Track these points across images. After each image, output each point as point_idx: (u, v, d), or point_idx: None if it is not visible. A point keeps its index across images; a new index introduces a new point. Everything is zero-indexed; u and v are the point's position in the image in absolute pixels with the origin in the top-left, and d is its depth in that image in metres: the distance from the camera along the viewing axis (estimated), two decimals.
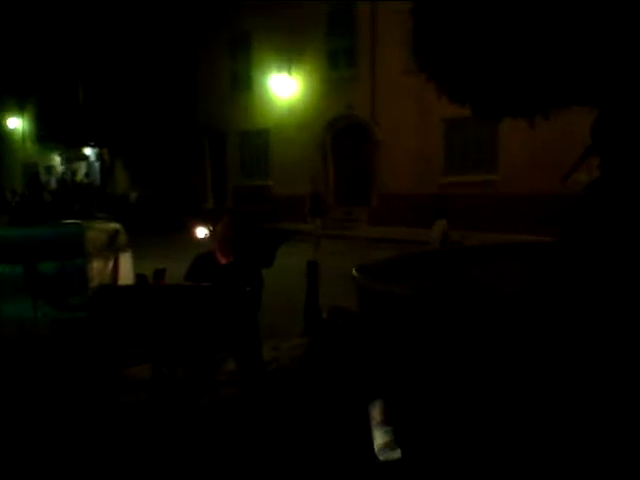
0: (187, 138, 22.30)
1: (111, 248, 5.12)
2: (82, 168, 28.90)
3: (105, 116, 22.48)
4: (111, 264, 5.02)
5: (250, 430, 3.68)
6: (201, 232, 4.63)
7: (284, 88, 19.15)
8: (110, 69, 21.66)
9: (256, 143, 20.69)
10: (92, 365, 4.41)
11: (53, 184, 27.69)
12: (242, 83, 20.77)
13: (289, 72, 19.02)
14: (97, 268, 4.83)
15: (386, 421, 3.30)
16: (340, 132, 18.45)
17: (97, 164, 27.09)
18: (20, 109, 29.73)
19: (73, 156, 28.65)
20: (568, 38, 3.82)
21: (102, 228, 5.33)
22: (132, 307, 3.83)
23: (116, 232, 5.27)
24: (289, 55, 18.78)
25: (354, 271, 4.13)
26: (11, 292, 4.61)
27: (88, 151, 27.36)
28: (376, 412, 3.33)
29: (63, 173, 29.69)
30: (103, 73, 22.03)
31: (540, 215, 13.73)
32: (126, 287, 4.68)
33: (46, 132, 26.61)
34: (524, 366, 3.09)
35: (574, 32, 3.78)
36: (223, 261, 4.52)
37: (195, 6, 20.56)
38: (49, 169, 30.65)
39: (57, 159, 30.34)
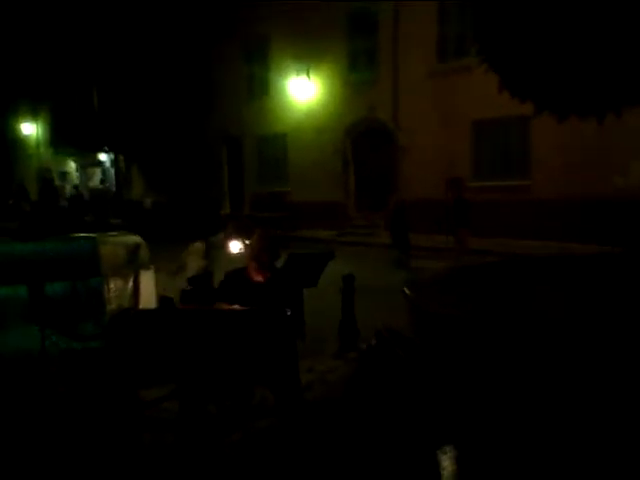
0: (203, 143, 21.85)
1: (131, 265, 4.41)
2: (97, 174, 28.60)
3: (120, 122, 22.12)
4: (131, 284, 4.33)
5: (289, 470, 3.11)
6: (235, 246, 3.99)
7: (303, 92, 18.62)
8: (125, 74, 21.29)
9: (274, 148, 20.17)
10: (109, 404, 3.80)
11: (68, 190, 27.39)
12: (259, 87, 20.27)
13: (308, 75, 18.49)
14: (115, 289, 4.15)
15: (460, 473, 2.71)
16: (361, 136, 17.86)
17: (112, 170, 26.74)
18: (34, 115, 29.50)
19: (88, 162, 28.35)
20: None
21: (120, 242, 4.57)
22: (156, 335, 3.26)
23: (136, 247, 4.53)
24: (308, 58, 18.25)
25: (406, 289, 3.58)
26: (14, 318, 3.95)
27: (103, 157, 27.04)
28: (447, 461, 2.75)
29: (78, 179, 29.41)
30: (118, 78, 21.66)
31: (574, 220, 13.08)
32: (149, 312, 3.96)
33: (61, 138, 26.36)
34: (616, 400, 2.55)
35: None
36: (258, 278, 3.97)
37: (211, 9, 20.11)
38: (64, 175, 30.38)
39: (72, 165, 30.07)
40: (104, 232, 5.30)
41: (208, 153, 22.02)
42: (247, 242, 3.90)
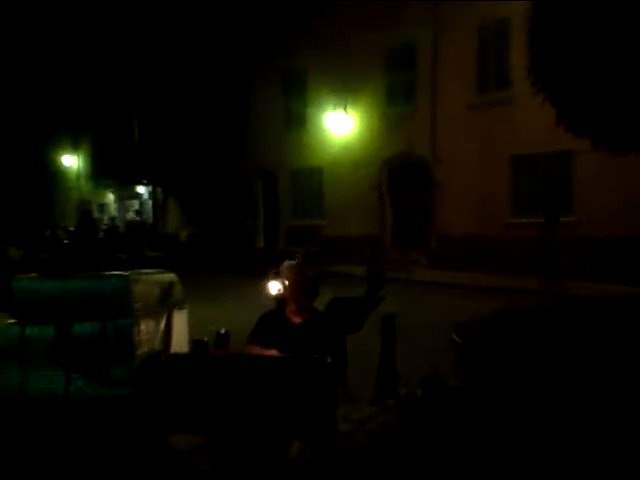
0: (239, 176, 21.89)
1: (164, 305, 4.13)
2: (134, 206, 28.95)
3: (159, 154, 22.38)
4: (163, 325, 4.04)
5: None
6: (274, 287, 3.70)
7: (339, 125, 18.55)
8: (164, 107, 21.60)
9: (309, 182, 20.06)
10: (138, 453, 3.50)
11: (105, 222, 27.75)
12: (296, 120, 20.27)
13: (345, 109, 18.43)
14: (146, 331, 3.81)
15: None
16: (397, 171, 17.63)
17: (150, 202, 27.03)
18: (75, 147, 30.12)
19: (126, 194, 28.75)
20: None
21: (154, 280, 4.25)
22: (188, 382, 3.00)
23: (170, 285, 4.24)
24: (345, 91, 18.22)
25: (454, 336, 3.26)
26: (39, 361, 3.64)
27: (141, 189, 27.38)
28: None
29: (116, 211, 29.82)
30: (158, 111, 21.99)
31: (620, 260, 12.51)
32: (181, 356, 3.71)
33: (101, 170, 26.79)
34: None
35: None
36: (296, 320, 3.68)
37: (250, 41, 20.34)
38: (102, 207, 30.85)
39: (111, 197, 30.53)
40: (138, 268, 5.03)
41: (243, 186, 22.04)
42: (287, 283, 3.62)
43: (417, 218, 17.19)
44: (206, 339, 3.12)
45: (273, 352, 3.42)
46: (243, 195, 22.11)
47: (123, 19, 21.51)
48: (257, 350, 3.53)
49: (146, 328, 3.83)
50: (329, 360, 3.05)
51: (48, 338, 3.67)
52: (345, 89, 18.18)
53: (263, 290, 3.79)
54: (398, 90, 17.50)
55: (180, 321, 4.24)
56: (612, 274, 12.43)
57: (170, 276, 4.33)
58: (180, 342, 4.12)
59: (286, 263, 3.71)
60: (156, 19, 20.53)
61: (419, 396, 2.92)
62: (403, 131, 16.98)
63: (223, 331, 3.19)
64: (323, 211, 19.59)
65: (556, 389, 2.78)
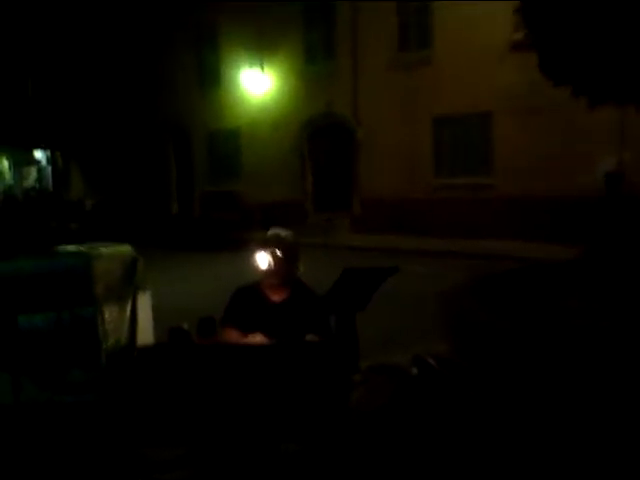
0: (149, 138, 20.54)
1: (128, 286, 3.31)
2: (33, 173, 26.77)
3: (57, 115, 20.58)
4: (128, 311, 3.24)
5: None
6: (263, 260, 3.04)
7: (256, 84, 17.69)
8: (63, 62, 19.78)
9: (226, 144, 19.11)
10: (108, 468, 2.64)
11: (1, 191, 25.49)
12: (210, 78, 19.16)
13: (261, 67, 17.56)
14: (110, 319, 3.03)
15: None
16: (319, 132, 17.06)
17: (49, 168, 25.04)
18: None
19: (22, 160, 26.50)
20: None
21: (115, 256, 3.40)
22: (171, 381, 2.34)
23: (133, 261, 3.44)
24: (261, 48, 17.33)
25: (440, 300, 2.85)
26: None
27: (39, 154, 25.29)
28: None
29: (12, 179, 27.46)
30: (55, 66, 20.11)
31: (542, 220, 12.69)
32: (158, 349, 2.79)
33: None
34: None
35: None
36: (276, 297, 3.17)
37: None
38: None
39: (5, 164, 28.07)
40: (46, 243, 3.97)
41: (154, 149, 20.74)
42: (279, 254, 3.00)
43: (339, 181, 16.77)
44: (186, 326, 2.44)
45: (259, 338, 2.89)
46: (154, 159, 20.81)
47: None
48: (235, 335, 2.98)
49: (110, 316, 2.98)
50: (337, 344, 2.50)
51: None
52: (261, 46, 17.30)
53: (252, 263, 3.13)
54: (317, 47, 16.83)
55: (144, 305, 3.43)
56: (533, 233, 12.61)
57: (129, 250, 3.46)
58: (145, 331, 3.33)
59: (271, 231, 3.14)
60: None
61: (413, 374, 2.42)
62: (323, 90, 16.40)
63: (206, 316, 2.57)
64: (241, 175, 18.75)
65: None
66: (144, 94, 19.96)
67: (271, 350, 2.54)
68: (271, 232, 3.18)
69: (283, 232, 3.18)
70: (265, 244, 3.06)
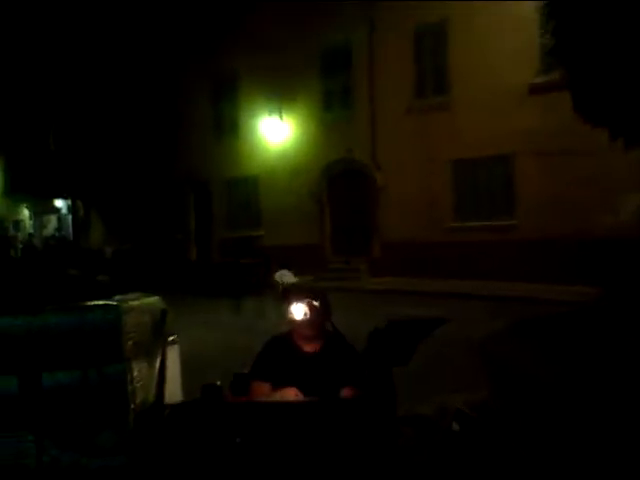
0: (168, 186, 20.74)
1: (158, 339, 3.06)
2: (52, 222, 27.06)
3: (78, 164, 20.89)
4: (157, 367, 2.98)
5: None
6: (299, 311, 2.90)
7: (275, 132, 17.90)
8: (84, 113, 20.20)
9: (244, 191, 19.21)
10: None
11: (21, 240, 25.72)
12: (228, 127, 19.43)
13: (280, 115, 17.80)
14: (139, 377, 2.80)
15: None
16: (337, 177, 17.13)
17: (69, 217, 25.29)
18: None
19: (43, 209, 26.82)
20: None
21: (144, 308, 3.15)
22: (205, 443, 2.20)
23: (163, 313, 3.21)
24: (280, 97, 17.60)
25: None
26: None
27: (59, 203, 25.60)
28: None
29: (32, 228, 27.77)
30: (77, 118, 20.54)
31: (565, 261, 12.47)
32: (190, 407, 2.60)
33: (14, 184, 24.85)
34: None
35: None
36: (309, 348, 3.04)
37: (178, 43, 19.32)
38: (17, 224, 28.66)
39: (25, 213, 28.44)
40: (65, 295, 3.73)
41: (174, 197, 20.92)
42: (316, 304, 2.89)
43: (358, 225, 16.74)
44: (219, 383, 2.32)
45: (293, 393, 2.74)
46: (173, 206, 20.97)
47: (38, 18, 19.98)
48: (266, 390, 2.84)
49: (139, 373, 2.82)
50: (375, 399, 2.35)
51: (10, 393, 2.58)
52: (280, 94, 17.56)
53: (286, 314, 3.02)
54: (335, 94, 17.06)
55: (172, 359, 3.24)
56: (556, 274, 12.39)
57: (157, 301, 3.30)
58: (173, 386, 3.13)
59: (278, 273, 3.04)
60: (77, 18, 19.18)
61: (456, 430, 2.27)
62: (342, 137, 16.53)
63: (242, 371, 2.45)
64: (260, 221, 18.80)
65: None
66: (164, 143, 20.26)
67: (309, 408, 2.42)
68: (278, 275, 3.06)
69: (288, 275, 3.06)
70: (301, 294, 2.94)
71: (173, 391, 3.12)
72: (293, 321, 2.96)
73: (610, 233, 11.66)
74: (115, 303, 2.79)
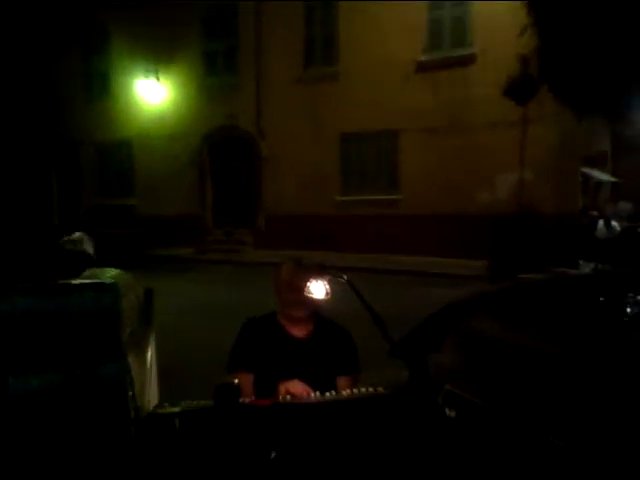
0: (32, 149, 18.64)
1: (146, 329, 2.58)
2: None
3: None
4: (149, 363, 2.51)
5: None
6: (319, 289, 2.22)
7: (151, 94, 16.70)
8: None
9: (117, 156, 17.83)
10: None
11: None
12: (100, 87, 17.82)
13: (157, 77, 16.61)
14: (135, 376, 2.26)
15: None
16: (219, 145, 16.42)
17: None
18: None
19: None
20: None
21: (130, 288, 2.57)
22: (231, 462, 1.74)
23: (148, 294, 2.78)
24: (157, 56, 16.37)
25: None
26: None
27: None
28: None
29: None
30: None
31: (449, 235, 13.03)
32: (205, 414, 1.95)
33: None
34: None
35: None
36: (299, 332, 2.61)
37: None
38: None
39: None
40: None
41: (35, 159, 18.87)
42: (342, 277, 2.30)
43: (242, 196, 16.23)
44: (236, 381, 1.86)
45: (299, 386, 2.30)
46: (34, 169, 18.91)
47: None
48: (242, 378, 2.29)
49: (134, 370, 2.18)
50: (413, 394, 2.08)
51: None
52: (157, 53, 16.35)
53: (278, 292, 2.54)
54: (219, 58, 16.22)
55: (152, 352, 2.65)
56: (441, 248, 12.91)
57: (134, 279, 2.67)
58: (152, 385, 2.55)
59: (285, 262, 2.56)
60: None
61: (452, 417, 2.05)
62: (225, 103, 15.82)
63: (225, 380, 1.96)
64: (134, 189, 17.59)
65: None
66: (26, 101, 18.11)
67: (369, 405, 2.12)
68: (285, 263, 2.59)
69: (295, 261, 2.61)
70: (322, 270, 2.28)
71: (152, 387, 2.62)
72: (291, 300, 2.54)
73: (488, 210, 12.32)
74: (112, 281, 2.04)
